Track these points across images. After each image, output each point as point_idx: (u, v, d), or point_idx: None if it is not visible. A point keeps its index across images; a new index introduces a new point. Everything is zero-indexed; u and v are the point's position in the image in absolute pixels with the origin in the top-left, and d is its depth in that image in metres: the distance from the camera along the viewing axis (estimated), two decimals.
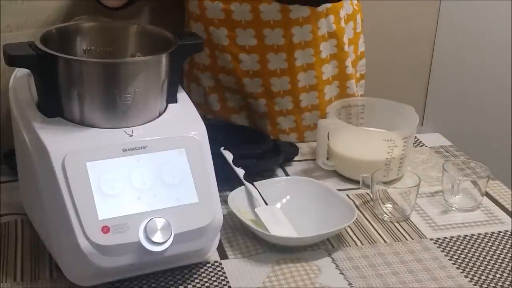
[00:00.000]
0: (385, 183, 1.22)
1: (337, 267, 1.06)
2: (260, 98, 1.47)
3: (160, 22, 1.42)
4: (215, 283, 1.02)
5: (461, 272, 1.06)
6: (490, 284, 1.04)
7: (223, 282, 1.02)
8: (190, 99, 1.11)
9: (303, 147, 1.43)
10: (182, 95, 1.11)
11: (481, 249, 1.13)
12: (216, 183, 1.02)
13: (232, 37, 1.41)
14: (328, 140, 1.31)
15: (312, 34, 1.41)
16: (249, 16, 1.37)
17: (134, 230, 0.94)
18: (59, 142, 0.96)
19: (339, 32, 1.45)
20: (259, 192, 1.18)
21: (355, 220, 1.14)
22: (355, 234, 1.15)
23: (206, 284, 1.01)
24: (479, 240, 1.15)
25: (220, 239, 1.08)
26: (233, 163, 1.22)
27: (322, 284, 1.02)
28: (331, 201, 1.18)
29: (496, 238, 1.16)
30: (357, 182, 1.25)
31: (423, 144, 1.50)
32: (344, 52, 1.47)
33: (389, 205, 1.20)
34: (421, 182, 1.20)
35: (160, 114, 1.05)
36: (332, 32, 1.44)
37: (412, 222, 1.19)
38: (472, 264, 1.09)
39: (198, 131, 1.03)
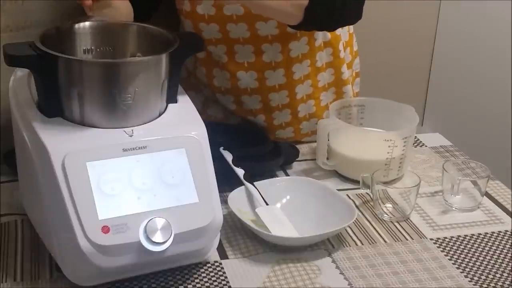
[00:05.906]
0: (385, 183, 1.22)
1: (337, 267, 1.06)
2: (259, 114, 1.46)
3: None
4: (215, 283, 1.02)
5: (461, 272, 1.06)
6: (490, 284, 1.04)
7: (223, 282, 1.02)
8: None
9: (303, 147, 1.43)
10: (182, 95, 1.11)
11: (481, 249, 1.13)
12: (216, 183, 1.02)
13: (231, 54, 1.39)
14: (328, 140, 1.31)
15: (309, 46, 1.40)
16: (247, 34, 1.36)
17: (134, 230, 0.94)
18: (59, 142, 0.96)
19: (334, 41, 1.44)
20: (259, 192, 1.18)
21: (355, 220, 1.14)
22: (355, 234, 1.15)
23: (206, 284, 1.01)
24: (479, 240, 1.15)
25: (220, 239, 1.08)
26: (232, 164, 1.22)
27: (322, 284, 1.02)
28: (331, 201, 1.18)
29: (496, 238, 1.16)
30: (357, 182, 1.25)
31: (423, 144, 1.50)
32: (340, 59, 1.46)
33: (389, 205, 1.20)
34: (421, 182, 1.20)
35: (160, 114, 1.05)
36: (327, 41, 1.43)
37: (412, 222, 1.19)
38: (472, 264, 1.09)
39: (198, 131, 1.03)
